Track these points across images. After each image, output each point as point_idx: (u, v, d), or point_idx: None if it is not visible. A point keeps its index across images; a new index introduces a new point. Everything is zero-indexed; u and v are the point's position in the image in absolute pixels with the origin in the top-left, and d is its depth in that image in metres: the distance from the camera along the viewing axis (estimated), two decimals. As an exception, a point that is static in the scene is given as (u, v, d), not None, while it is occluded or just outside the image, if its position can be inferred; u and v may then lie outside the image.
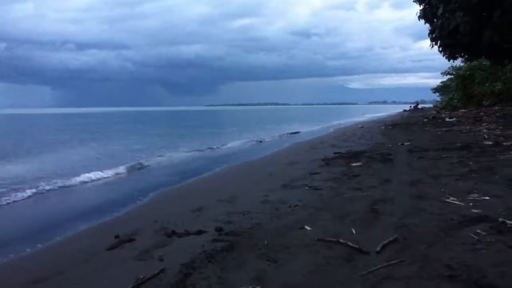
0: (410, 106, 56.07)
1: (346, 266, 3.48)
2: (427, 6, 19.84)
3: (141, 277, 3.64)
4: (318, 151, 13.08)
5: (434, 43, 20.19)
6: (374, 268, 3.32)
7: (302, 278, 3.30)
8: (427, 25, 20.67)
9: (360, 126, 26.46)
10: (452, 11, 17.07)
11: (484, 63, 30.83)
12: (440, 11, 17.84)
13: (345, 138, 17.12)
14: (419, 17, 20.44)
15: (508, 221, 4.10)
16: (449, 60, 23.10)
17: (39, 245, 5.42)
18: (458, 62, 34.05)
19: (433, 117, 27.28)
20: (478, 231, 3.98)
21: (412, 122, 24.92)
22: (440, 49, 20.72)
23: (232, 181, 9.07)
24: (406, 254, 3.59)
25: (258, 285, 3.25)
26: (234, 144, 20.56)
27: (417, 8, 20.57)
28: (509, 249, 3.47)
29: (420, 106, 58.05)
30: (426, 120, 25.63)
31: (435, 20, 19.37)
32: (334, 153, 11.60)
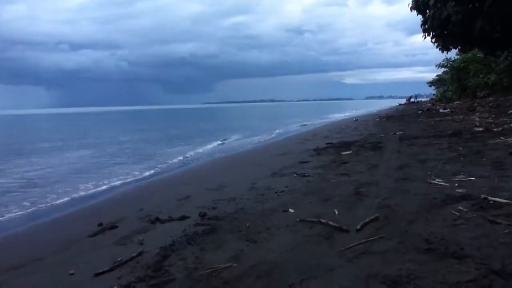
0: (406, 100, 56.11)
1: (324, 244, 3.43)
2: (419, -3, 19.72)
3: (119, 259, 3.59)
4: (310, 142, 13.01)
5: (426, 34, 20.07)
6: (352, 245, 3.28)
7: (278, 255, 3.25)
8: (419, 17, 20.54)
9: (354, 119, 26.41)
10: (444, 1, 16.99)
11: (478, 55, 30.77)
12: (432, 1, 17.76)
13: (338, 130, 17.05)
14: (411, 8, 20.29)
15: (490, 198, 4.06)
16: (442, 52, 22.95)
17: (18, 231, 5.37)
18: (453, 54, 33.98)
19: (428, 109, 27.26)
20: (460, 208, 3.94)
21: (406, 114, 24.89)
22: (433, 40, 20.61)
23: (221, 171, 9.03)
24: (386, 231, 3.55)
25: (234, 264, 3.21)
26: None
27: (408, 0, 20.44)
28: (488, 223, 3.43)
29: (415, 99, 57.94)
30: (420, 112, 25.61)
31: (427, 11, 19.26)
32: (326, 143, 11.55)
